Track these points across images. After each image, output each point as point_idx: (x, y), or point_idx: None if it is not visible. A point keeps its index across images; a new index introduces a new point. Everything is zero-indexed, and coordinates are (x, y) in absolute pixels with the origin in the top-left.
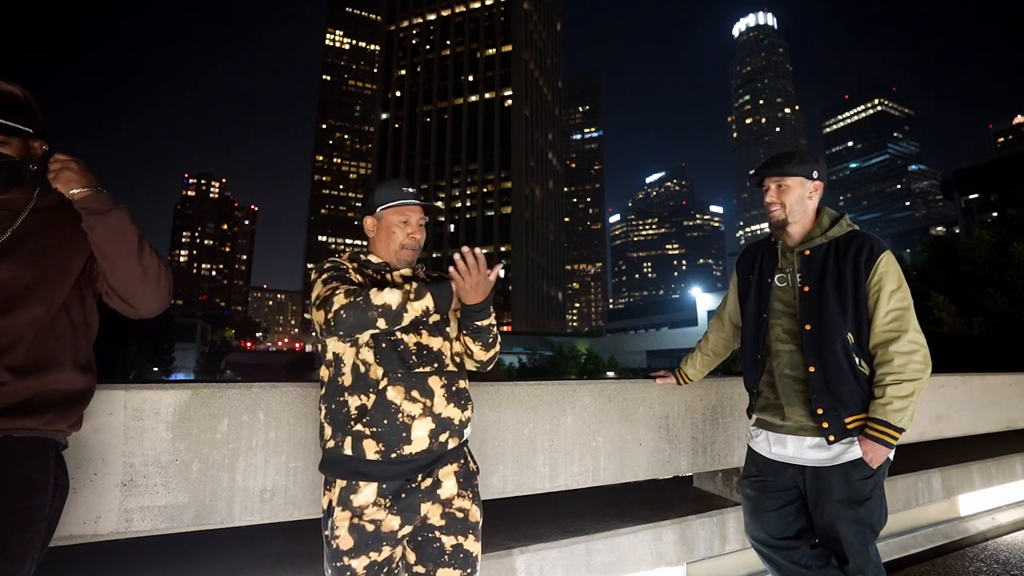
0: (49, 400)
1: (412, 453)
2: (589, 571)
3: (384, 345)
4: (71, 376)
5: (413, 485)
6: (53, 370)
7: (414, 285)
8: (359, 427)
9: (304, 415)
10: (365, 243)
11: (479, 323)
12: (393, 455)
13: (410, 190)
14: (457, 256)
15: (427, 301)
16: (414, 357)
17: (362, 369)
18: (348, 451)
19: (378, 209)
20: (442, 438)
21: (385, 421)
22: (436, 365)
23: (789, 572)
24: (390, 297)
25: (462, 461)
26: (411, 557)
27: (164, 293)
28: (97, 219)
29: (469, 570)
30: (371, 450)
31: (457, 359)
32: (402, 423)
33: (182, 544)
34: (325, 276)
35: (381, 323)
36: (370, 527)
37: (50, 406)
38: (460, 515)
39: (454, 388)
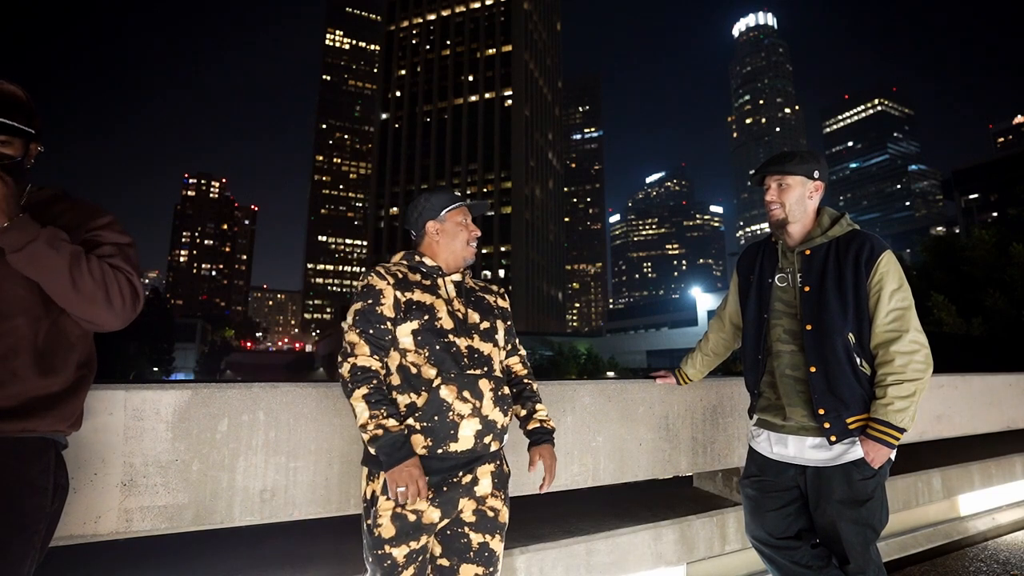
0: (50, 401)
1: (457, 451)
2: (589, 571)
3: (438, 347)
4: (71, 374)
5: (455, 480)
6: (55, 369)
7: (372, 430)
8: (409, 422)
9: (304, 415)
10: (365, 243)
11: None
12: (439, 451)
13: (458, 195)
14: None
15: (374, 449)
16: (466, 359)
17: (412, 371)
18: None
19: (443, 212)
20: (486, 440)
21: (436, 417)
22: (486, 369)
23: (790, 572)
24: (358, 410)
25: (498, 462)
26: (436, 550)
27: (121, 307)
28: (15, 256)
29: (491, 569)
30: (419, 445)
31: (503, 365)
32: (451, 421)
33: (182, 544)
34: (355, 315)
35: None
36: (412, 517)
37: (51, 407)
38: (491, 514)
39: (500, 393)
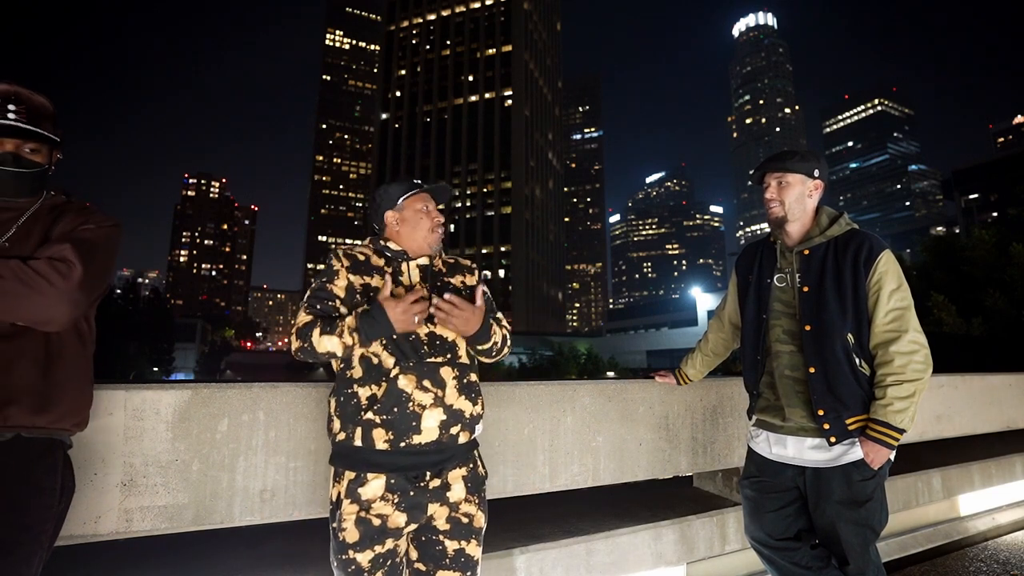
0: (63, 398)
1: (421, 443)
2: (589, 571)
3: (395, 336)
4: (83, 373)
5: (421, 484)
6: (68, 367)
7: (354, 337)
8: (369, 415)
9: (304, 415)
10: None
11: (480, 347)
12: (402, 444)
13: (419, 182)
14: (436, 302)
15: (376, 341)
16: (426, 347)
17: (374, 361)
18: (358, 442)
19: (400, 200)
20: (453, 430)
21: (395, 409)
22: (449, 356)
23: (789, 573)
24: (330, 345)
25: (471, 465)
26: (413, 554)
27: (53, 298)
28: None
29: (469, 573)
30: (380, 439)
31: (471, 351)
32: (412, 412)
33: (182, 544)
34: (307, 296)
35: (337, 358)
36: (376, 521)
37: (63, 404)
38: (465, 520)
39: (465, 380)
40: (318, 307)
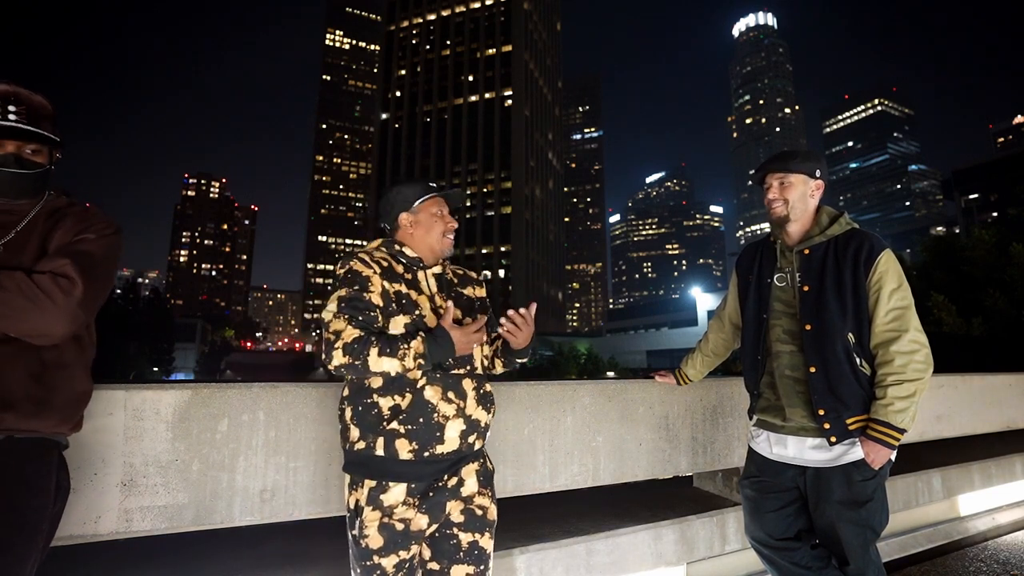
0: (57, 402)
1: (443, 453)
2: (589, 571)
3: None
4: (79, 377)
5: (440, 484)
6: (63, 371)
7: (417, 363)
8: (393, 426)
9: (304, 415)
10: (365, 243)
11: (520, 360)
12: (426, 454)
13: (434, 185)
14: (510, 314)
15: (431, 363)
16: (450, 359)
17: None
18: (380, 452)
19: (416, 203)
20: (471, 439)
21: (421, 420)
22: (468, 368)
23: (789, 573)
24: (388, 365)
25: (482, 460)
26: (426, 554)
27: (54, 315)
28: None
29: (482, 567)
30: (404, 450)
31: (485, 362)
32: (436, 423)
33: (182, 544)
34: (339, 303)
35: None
36: (400, 526)
37: (57, 408)
38: (479, 512)
39: (482, 391)
40: (360, 319)
